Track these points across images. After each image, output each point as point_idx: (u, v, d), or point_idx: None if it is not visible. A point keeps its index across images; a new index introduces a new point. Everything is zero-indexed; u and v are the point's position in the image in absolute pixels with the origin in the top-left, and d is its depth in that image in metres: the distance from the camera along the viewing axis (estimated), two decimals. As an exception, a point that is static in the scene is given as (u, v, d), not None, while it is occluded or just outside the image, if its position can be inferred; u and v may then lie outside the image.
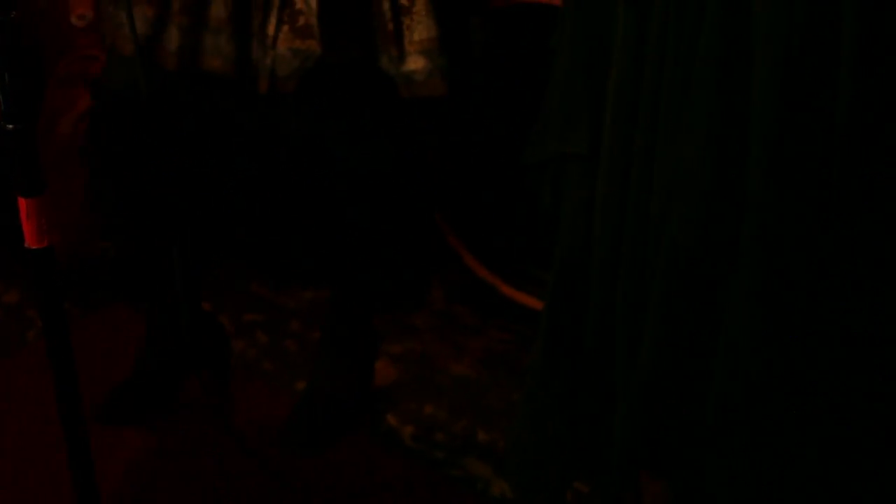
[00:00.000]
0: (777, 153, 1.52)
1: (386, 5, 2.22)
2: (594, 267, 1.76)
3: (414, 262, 2.59)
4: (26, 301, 3.04)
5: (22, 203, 1.70)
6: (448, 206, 3.05)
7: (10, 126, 1.65)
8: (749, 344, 1.61)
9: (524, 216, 2.97)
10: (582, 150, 1.73)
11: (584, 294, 1.80)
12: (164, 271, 2.59)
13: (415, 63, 2.24)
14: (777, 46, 1.49)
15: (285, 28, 2.20)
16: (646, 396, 1.70)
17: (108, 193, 2.48)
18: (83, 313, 3.02)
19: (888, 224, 1.57)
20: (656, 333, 1.66)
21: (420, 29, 2.24)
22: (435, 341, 2.96)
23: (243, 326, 3.00)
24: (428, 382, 2.82)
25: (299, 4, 2.19)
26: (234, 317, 3.03)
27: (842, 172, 1.52)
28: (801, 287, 1.58)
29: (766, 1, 1.48)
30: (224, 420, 2.62)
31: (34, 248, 1.73)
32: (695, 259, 1.61)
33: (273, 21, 2.20)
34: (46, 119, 2.99)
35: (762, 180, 1.53)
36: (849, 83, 1.48)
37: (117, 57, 2.35)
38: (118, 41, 2.32)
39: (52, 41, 3.04)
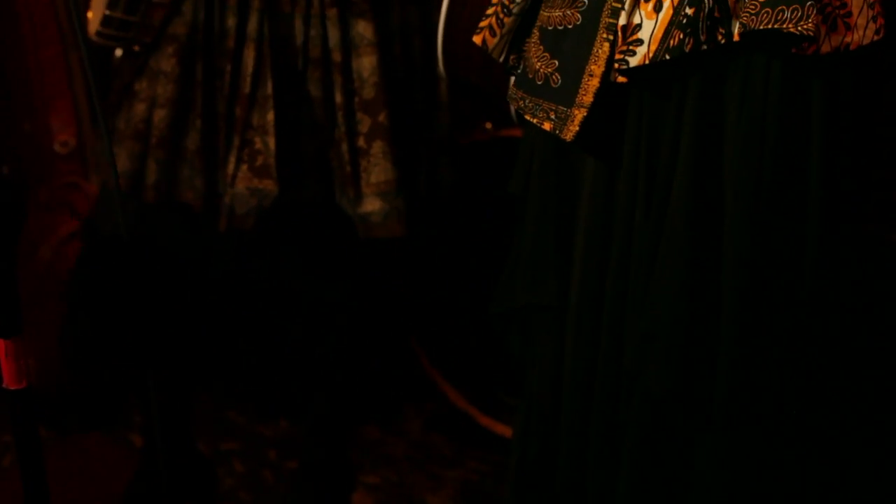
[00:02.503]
0: (749, 309, 1.53)
1: (344, 147, 2.26)
2: (565, 416, 1.75)
3: (381, 384, 2.59)
4: (3, 427, 3.02)
5: (0, 344, 1.70)
6: (425, 334, 3.05)
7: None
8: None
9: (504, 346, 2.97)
10: (551, 303, 1.74)
11: (554, 440, 1.79)
12: (148, 405, 2.58)
13: (371, 205, 2.27)
14: (747, 203, 1.51)
15: (244, 167, 2.23)
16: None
17: (87, 333, 2.47)
18: (60, 439, 2.99)
19: (863, 380, 1.58)
20: (629, 489, 1.65)
21: (377, 171, 2.27)
22: (412, 471, 2.94)
23: (220, 455, 2.98)
24: (405, 514, 2.80)
25: (258, 144, 2.22)
26: (211, 445, 3.00)
27: (812, 329, 1.53)
28: (772, 453, 1.58)
29: (736, 158, 1.51)
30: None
31: (13, 388, 1.72)
32: (668, 413, 1.61)
33: (233, 160, 2.23)
34: (27, 244, 3.00)
35: (734, 337, 1.54)
36: (816, 238, 1.51)
37: (108, 195, 2.36)
38: (109, 178, 2.34)
39: (34, 167, 3.06)
